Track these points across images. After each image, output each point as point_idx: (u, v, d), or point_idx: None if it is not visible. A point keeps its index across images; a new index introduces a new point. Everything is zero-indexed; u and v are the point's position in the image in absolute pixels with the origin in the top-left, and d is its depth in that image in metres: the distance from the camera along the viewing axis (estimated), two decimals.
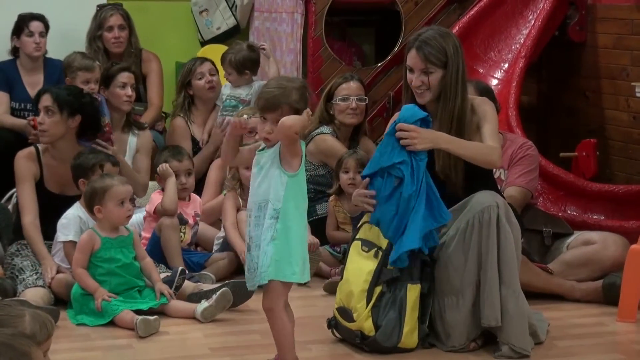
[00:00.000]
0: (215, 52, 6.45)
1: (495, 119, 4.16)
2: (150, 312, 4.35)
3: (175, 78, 6.72)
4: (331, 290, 4.69)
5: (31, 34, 5.96)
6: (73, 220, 4.70)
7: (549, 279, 4.74)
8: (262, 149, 3.55)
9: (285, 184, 3.46)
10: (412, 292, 3.96)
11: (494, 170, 4.85)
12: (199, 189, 5.49)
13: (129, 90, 5.46)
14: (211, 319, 4.41)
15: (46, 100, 4.93)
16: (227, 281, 4.66)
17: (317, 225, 5.35)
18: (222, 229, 5.31)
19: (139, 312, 4.32)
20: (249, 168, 3.66)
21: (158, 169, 5.17)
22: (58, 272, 4.61)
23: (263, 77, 6.18)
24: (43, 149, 4.99)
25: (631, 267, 4.49)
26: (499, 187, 4.76)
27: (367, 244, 4.06)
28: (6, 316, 2.66)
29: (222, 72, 6.18)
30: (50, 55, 6.10)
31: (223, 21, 6.87)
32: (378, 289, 3.98)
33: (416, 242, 3.87)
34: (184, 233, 5.12)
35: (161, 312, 4.43)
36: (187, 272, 4.71)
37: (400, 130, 3.89)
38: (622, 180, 6.02)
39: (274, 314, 3.54)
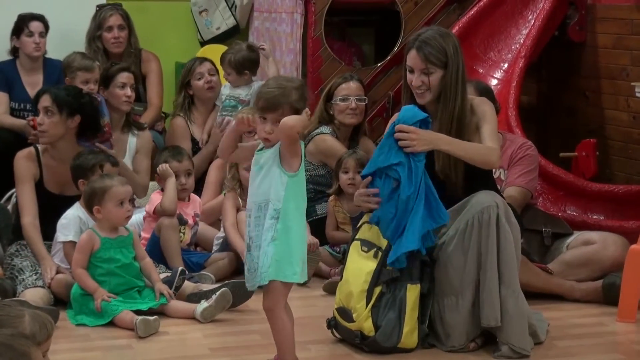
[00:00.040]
0: (214, 52, 6.45)
1: (495, 119, 4.16)
2: (149, 312, 4.35)
3: (174, 78, 6.72)
4: (331, 290, 4.69)
5: (31, 34, 5.96)
6: (73, 221, 4.70)
7: (549, 279, 4.74)
8: (261, 149, 3.54)
9: (286, 184, 3.46)
10: (412, 292, 3.96)
11: (494, 170, 4.85)
12: (198, 189, 5.49)
13: (128, 91, 5.46)
14: (211, 319, 4.41)
15: (45, 101, 4.92)
16: (226, 281, 4.66)
17: (317, 226, 5.35)
18: (222, 229, 5.31)
19: (138, 312, 4.32)
20: (248, 169, 3.66)
21: (158, 169, 5.17)
22: (57, 272, 4.61)
23: (262, 78, 6.18)
24: (42, 149, 4.99)
25: (631, 267, 4.49)
26: (499, 187, 4.76)
27: (367, 244, 4.06)
28: (6, 316, 2.66)
29: (222, 72, 6.18)
30: (49, 55, 6.10)
31: (223, 21, 6.87)
32: (378, 289, 3.98)
33: (415, 243, 3.87)
34: (184, 233, 5.12)
35: (161, 312, 4.43)
36: (186, 272, 4.71)
37: (400, 131, 3.89)
38: (621, 180, 6.02)
39: (274, 314, 3.54)
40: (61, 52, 5.88)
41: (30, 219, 4.82)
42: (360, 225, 4.16)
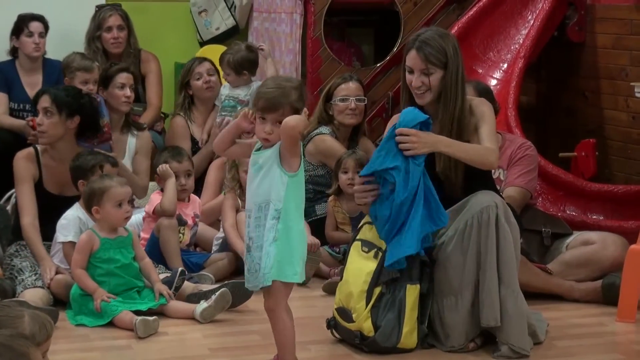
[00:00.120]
0: (214, 52, 6.45)
1: (493, 119, 4.16)
2: (149, 312, 4.35)
3: (174, 78, 6.72)
4: (330, 290, 4.69)
5: (31, 35, 5.96)
6: (72, 221, 4.70)
7: (548, 279, 4.74)
8: (259, 149, 3.54)
9: (286, 184, 3.46)
10: (411, 292, 3.96)
11: (493, 170, 4.85)
12: (197, 189, 5.49)
13: (127, 91, 5.46)
14: (210, 320, 4.41)
15: (45, 101, 4.92)
16: (226, 282, 4.66)
17: (316, 226, 5.35)
18: (221, 230, 5.31)
19: (138, 312, 4.32)
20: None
21: (158, 169, 5.17)
22: (57, 272, 4.61)
23: (262, 78, 6.17)
24: (42, 149, 4.99)
25: (630, 267, 4.49)
26: (498, 188, 4.76)
27: (368, 245, 4.07)
28: (5, 317, 2.66)
29: (222, 72, 6.18)
30: (49, 55, 6.10)
31: (222, 21, 6.87)
32: (377, 290, 3.98)
33: (413, 247, 3.87)
34: (183, 234, 5.11)
35: (160, 312, 4.43)
36: (186, 272, 4.71)
37: (400, 134, 3.88)
38: (621, 180, 6.02)
39: (275, 314, 3.54)
40: (61, 53, 5.88)
41: (29, 220, 4.82)
42: (362, 226, 4.16)
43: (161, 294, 4.47)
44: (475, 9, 6.41)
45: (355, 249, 4.11)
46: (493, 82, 6.18)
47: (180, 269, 4.65)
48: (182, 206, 5.15)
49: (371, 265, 4.00)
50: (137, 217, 5.13)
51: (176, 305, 4.49)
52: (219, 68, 6.16)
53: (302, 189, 3.54)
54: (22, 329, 2.62)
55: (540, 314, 4.37)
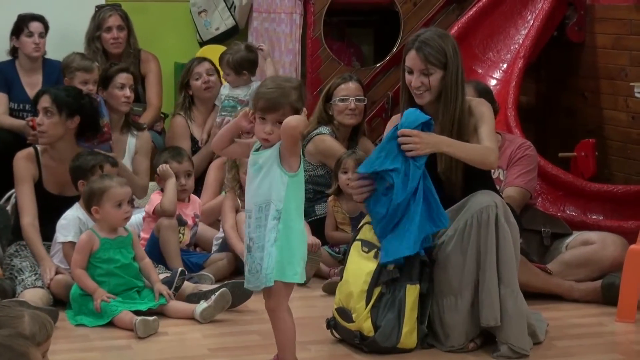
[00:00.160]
0: (214, 52, 6.45)
1: (492, 119, 4.17)
2: (149, 312, 4.35)
3: (174, 79, 6.72)
4: (330, 290, 4.69)
5: (31, 35, 5.96)
6: (72, 221, 4.70)
7: (548, 279, 4.74)
8: (257, 150, 3.54)
9: (286, 184, 3.46)
10: (411, 292, 3.96)
11: (493, 170, 4.85)
12: (197, 189, 5.49)
13: (127, 91, 5.46)
14: (210, 320, 4.41)
15: (45, 101, 4.92)
16: (226, 282, 4.66)
17: (316, 226, 5.35)
18: (221, 230, 5.31)
19: (138, 312, 4.32)
20: None
21: (158, 169, 5.17)
22: (57, 273, 4.61)
23: (261, 78, 6.17)
24: (42, 149, 4.99)
25: (630, 267, 4.49)
26: (498, 188, 4.76)
27: (368, 245, 4.07)
28: (5, 317, 2.66)
29: (222, 72, 6.18)
30: (49, 55, 6.10)
31: (222, 22, 6.87)
32: (377, 290, 3.98)
33: (411, 248, 3.87)
34: (183, 234, 5.11)
35: (160, 312, 4.43)
36: (186, 272, 4.71)
37: (403, 135, 3.88)
38: (620, 180, 6.02)
39: (276, 314, 3.54)
40: (60, 53, 5.88)
41: (29, 220, 4.82)
42: (362, 226, 4.16)
43: (161, 294, 4.47)
44: (474, 9, 6.41)
45: (355, 249, 4.11)
46: (493, 82, 6.18)
47: (180, 269, 4.65)
48: (182, 206, 5.15)
49: (371, 265, 4.00)
50: (137, 217, 5.13)
51: (176, 305, 4.49)
52: (219, 68, 6.16)
53: (302, 189, 3.54)
54: (22, 329, 2.62)
55: (540, 314, 4.37)
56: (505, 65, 6.29)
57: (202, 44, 6.89)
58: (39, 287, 4.54)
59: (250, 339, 4.21)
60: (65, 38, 6.34)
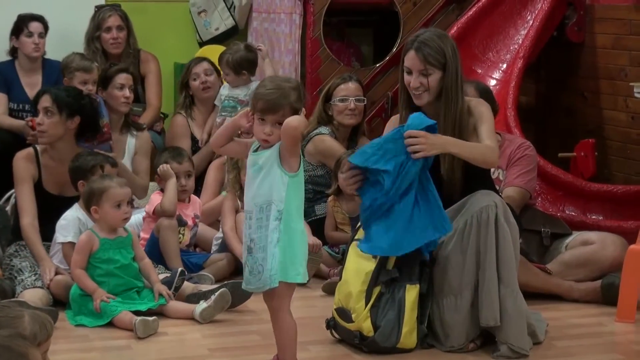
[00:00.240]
0: (213, 52, 6.45)
1: (492, 119, 4.17)
2: (148, 312, 4.35)
3: (173, 79, 6.73)
4: (330, 290, 4.69)
5: (30, 35, 5.96)
6: (72, 222, 4.69)
7: (548, 279, 4.74)
8: (256, 150, 3.53)
9: (287, 185, 3.45)
10: (411, 292, 3.96)
11: (492, 170, 4.85)
12: (196, 189, 5.49)
13: (126, 92, 5.46)
14: (210, 320, 4.41)
15: (45, 101, 4.92)
16: (225, 282, 4.65)
17: (316, 226, 5.35)
18: (221, 230, 5.31)
19: (137, 312, 4.32)
20: None
21: (158, 169, 5.16)
22: (57, 273, 4.61)
23: (261, 78, 6.17)
24: (42, 150, 4.99)
25: (630, 267, 4.49)
26: (498, 188, 4.76)
27: None
28: (5, 317, 2.65)
29: (222, 72, 6.18)
30: (48, 56, 6.10)
31: (221, 22, 6.87)
32: (377, 290, 3.98)
33: (385, 249, 3.90)
34: (183, 235, 5.11)
35: (160, 312, 4.43)
36: (186, 272, 4.71)
37: (409, 137, 3.86)
38: (620, 180, 6.02)
39: (279, 315, 3.53)
40: (60, 53, 5.88)
41: (29, 220, 4.82)
42: (360, 226, 4.16)
43: (161, 294, 4.47)
44: (474, 9, 6.41)
45: (353, 249, 4.10)
46: (492, 83, 6.18)
47: (179, 269, 4.65)
48: (182, 207, 5.15)
49: (370, 265, 4.00)
50: (137, 217, 5.13)
51: (176, 305, 4.49)
52: (219, 68, 6.16)
53: (302, 189, 3.54)
54: (22, 329, 2.62)
55: (540, 314, 4.37)
56: (504, 66, 6.29)
57: (202, 44, 6.89)
58: (39, 287, 4.54)
59: (250, 339, 4.21)
60: (65, 38, 6.34)
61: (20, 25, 5.98)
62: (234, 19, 6.84)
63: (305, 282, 3.67)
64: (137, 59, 6.33)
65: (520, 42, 6.28)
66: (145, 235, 5.07)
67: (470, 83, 5.08)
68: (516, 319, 3.95)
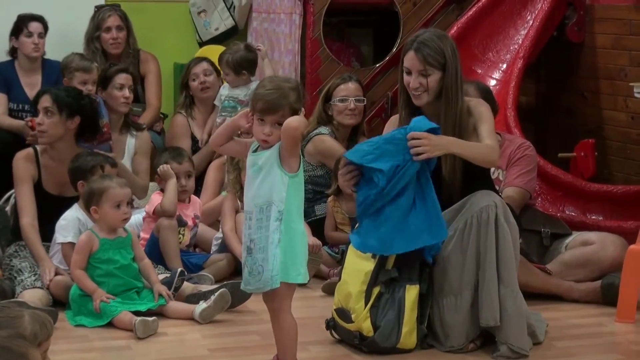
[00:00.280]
0: (213, 52, 6.45)
1: (491, 118, 4.16)
2: (148, 313, 4.35)
3: (173, 79, 6.73)
4: (330, 291, 4.69)
5: (30, 35, 5.96)
6: (72, 222, 4.69)
7: (548, 279, 4.74)
8: (255, 150, 3.53)
9: (287, 185, 3.45)
10: (411, 292, 3.96)
11: (492, 170, 4.85)
12: (196, 188, 5.49)
13: (126, 92, 5.46)
14: (209, 320, 4.41)
15: (46, 101, 4.92)
16: (225, 282, 4.65)
17: (316, 226, 5.35)
18: (221, 230, 5.31)
19: (137, 313, 4.32)
20: None
21: (159, 170, 5.16)
22: (56, 274, 4.61)
23: (260, 78, 6.17)
24: (41, 150, 4.98)
25: (630, 268, 4.49)
26: (497, 188, 4.76)
27: None
28: (5, 318, 2.65)
29: (222, 71, 6.18)
30: (48, 56, 6.10)
31: (221, 22, 6.87)
32: (376, 290, 3.98)
33: (376, 247, 3.91)
34: (183, 235, 5.11)
35: (159, 313, 4.43)
36: (185, 273, 4.71)
37: (413, 138, 3.85)
38: (620, 180, 6.02)
39: (280, 315, 3.53)
40: (60, 53, 5.88)
41: (29, 220, 4.82)
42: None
43: (160, 295, 4.47)
44: (474, 9, 6.41)
45: (352, 249, 4.10)
46: (492, 83, 6.18)
47: (179, 269, 4.65)
48: (182, 207, 5.15)
49: (369, 265, 4.00)
50: (137, 217, 5.13)
51: (175, 305, 4.49)
52: (220, 68, 6.17)
53: (302, 190, 3.53)
54: (23, 329, 2.61)
55: (540, 314, 4.37)
56: (504, 66, 6.29)
57: (202, 44, 6.89)
58: (39, 287, 4.54)
59: (250, 339, 4.21)
60: (65, 38, 6.34)
61: (20, 25, 5.98)
62: (233, 19, 6.84)
63: (306, 282, 3.67)
64: (137, 59, 6.33)
65: (520, 42, 6.28)
66: (145, 235, 5.07)
67: (471, 83, 5.08)
68: (516, 319, 3.94)
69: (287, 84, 3.51)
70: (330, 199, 5.40)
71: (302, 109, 3.51)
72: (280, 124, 3.41)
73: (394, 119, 4.31)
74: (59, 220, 4.71)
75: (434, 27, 6.36)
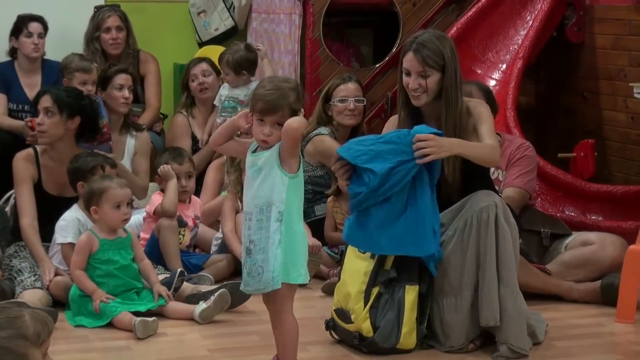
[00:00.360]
0: (213, 53, 6.46)
1: (491, 118, 4.16)
2: (148, 313, 4.35)
3: (173, 79, 6.73)
4: (329, 291, 4.69)
5: (30, 35, 5.96)
6: (71, 222, 4.69)
7: (547, 279, 4.74)
8: (255, 151, 3.53)
9: (287, 186, 3.45)
10: (410, 293, 3.96)
11: (492, 170, 4.85)
12: (196, 188, 5.49)
13: (126, 92, 5.46)
14: (209, 321, 4.41)
15: (46, 101, 4.92)
16: (225, 282, 4.66)
17: (316, 227, 5.34)
18: (221, 230, 5.31)
19: (137, 313, 4.32)
20: None
21: (159, 170, 5.16)
22: (56, 274, 4.61)
23: (260, 79, 6.17)
24: (41, 150, 4.98)
25: (629, 268, 4.49)
26: (497, 188, 4.76)
27: None
28: (5, 318, 2.65)
29: (222, 71, 6.19)
30: (48, 56, 6.10)
31: (221, 22, 6.87)
32: (375, 290, 3.98)
33: (362, 244, 3.94)
34: (183, 235, 5.11)
35: (159, 313, 4.43)
36: (185, 273, 4.71)
37: (419, 140, 3.84)
38: (620, 180, 6.02)
39: (281, 316, 3.53)
40: (60, 53, 5.89)
41: (28, 221, 4.82)
42: None
43: (160, 295, 4.47)
44: (474, 9, 6.41)
45: (351, 250, 4.10)
46: (492, 83, 6.18)
47: (179, 269, 4.65)
48: (182, 207, 5.15)
49: (368, 265, 4.00)
50: (137, 217, 5.13)
51: (175, 306, 4.49)
52: (220, 68, 6.17)
53: (302, 190, 3.53)
54: (25, 329, 2.61)
55: (540, 314, 4.37)
56: (504, 66, 6.29)
57: (201, 44, 6.89)
58: (38, 288, 4.54)
59: (250, 339, 4.21)
60: (65, 39, 6.35)
61: (20, 25, 5.98)
62: (233, 19, 6.85)
63: (307, 282, 3.67)
64: (137, 60, 6.34)
65: (519, 42, 6.28)
66: (145, 235, 5.07)
67: (471, 84, 5.07)
68: (516, 319, 3.95)
69: (287, 84, 3.50)
70: (330, 199, 5.40)
71: (302, 110, 3.51)
72: (280, 125, 3.40)
73: (393, 119, 4.31)
74: (59, 220, 4.71)
75: (434, 27, 6.37)
